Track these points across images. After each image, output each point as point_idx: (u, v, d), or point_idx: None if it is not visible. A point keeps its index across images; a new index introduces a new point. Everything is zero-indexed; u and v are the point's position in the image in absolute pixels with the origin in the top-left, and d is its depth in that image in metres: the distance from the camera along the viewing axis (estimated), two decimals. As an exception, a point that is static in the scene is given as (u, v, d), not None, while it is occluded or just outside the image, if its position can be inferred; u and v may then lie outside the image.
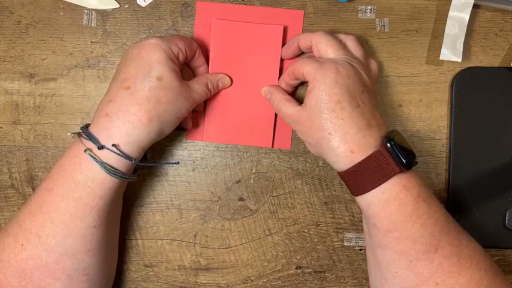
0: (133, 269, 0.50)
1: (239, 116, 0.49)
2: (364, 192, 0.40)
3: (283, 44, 0.48)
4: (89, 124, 0.42)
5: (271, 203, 0.50)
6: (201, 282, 0.50)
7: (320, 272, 0.50)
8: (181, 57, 0.43)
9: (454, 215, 0.48)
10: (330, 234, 0.50)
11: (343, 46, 0.44)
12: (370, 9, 0.49)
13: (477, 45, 0.49)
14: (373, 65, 0.46)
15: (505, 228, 0.48)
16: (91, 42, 0.49)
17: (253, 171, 0.50)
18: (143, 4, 0.49)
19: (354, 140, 0.39)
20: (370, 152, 0.39)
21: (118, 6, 0.49)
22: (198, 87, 0.45)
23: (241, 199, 0.50)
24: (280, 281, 0.50)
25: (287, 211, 0.50)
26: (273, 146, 0.49)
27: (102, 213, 0.41)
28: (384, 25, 0.49)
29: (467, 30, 0.48)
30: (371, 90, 0.43)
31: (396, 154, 0.39)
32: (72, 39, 0.49)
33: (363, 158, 0.39)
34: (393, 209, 0.39)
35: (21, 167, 0.49)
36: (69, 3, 0.49)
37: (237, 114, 0.49)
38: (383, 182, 0.39)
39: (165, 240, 0.50)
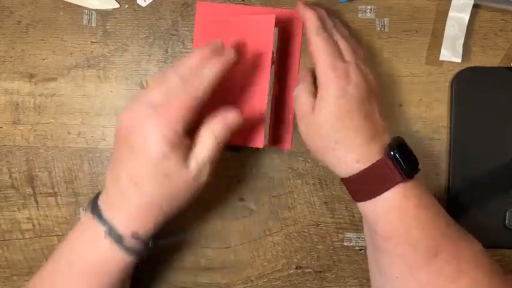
0: (133, 269, 0.50)
1: None
2: (366, 200, 0.40)
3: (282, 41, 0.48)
4: (98, 194, 0.41)
5: (271, 203, 0.50)
6: (201, 282, 0.50)
7: (320, 272, 0.50)
8: (187, 127, 0.38)
9: (454, 215, 0.48)
10: (330, 234, 0.50)
11: (351, 50, 0.42)
12: (370, 9, 0.49)
13: (477, 45, 0.49)
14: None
15: (505, 228, 0.48)
16: (91, 42, 0.49)
17: (253, 171, 0.50)
18: (143, 4, 0.49)
19: (360, 151, 0.39)
20: (373, 161, 0.39)
21: (118, 6, 0.49)
22: (207, 151, 0.39)
23: (241, 199, 0.50)
24: (280, 281, 0.50)
25: (287, 211, 0.50)
26: (270, 145, 0.49)
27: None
28: (384, 25, 0.49)
29: (467, 30, 0.48)
30: (377, 94, 0.42)
31: (399, 163, 0.39)
32: (72, 39, 0.49)
33: (366, 166, 0.39)
34: (393, 217, 0.39)
35: (21, 167, 0.49)
36: (69, 3, 0.49)
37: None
38: (385, 191, 0.39)
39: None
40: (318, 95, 0.41)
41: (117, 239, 0.38)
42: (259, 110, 0.45)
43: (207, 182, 0.40)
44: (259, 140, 0.46)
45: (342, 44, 0.43)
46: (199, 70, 0.39)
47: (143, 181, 0.38)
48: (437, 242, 0.39)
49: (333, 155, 0.40)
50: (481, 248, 0.41)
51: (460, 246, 0.40)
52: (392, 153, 0.39)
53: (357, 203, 0.41)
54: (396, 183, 0.39)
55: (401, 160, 0.39)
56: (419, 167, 0.41)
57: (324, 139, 0.40)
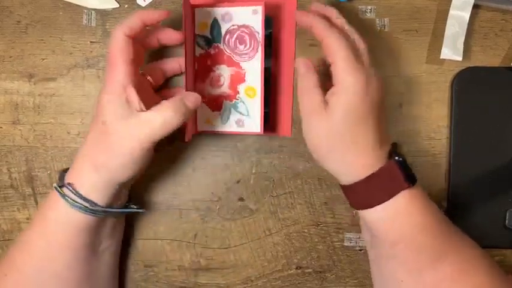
0: (133, 269, 0.50)
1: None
2: (372, 207, 0.39)
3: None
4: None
5: (271, 203, 0.50)
6: (201, 283, 0.50)
7: (320, 272, 0.50)
8: (129, 78, 0.39)
9: (454, 215, 0.48)
10: (330, 234, 0.50)
11: (367, 65, 0.40)
12: (370, 9, 0.49)
13: (477, 45, 0.49)
14: None
15: (505, 228, 0.48)
16: (91, 42, 0.49)
17: (253, 171, 0.50)
18: (143, 4, 0.49)
19: (370, 155, 0.39)
20: (379, 166, 0.39)
21: (118, 6, 0.49)
22: (153, 123, 0.38)
23: (241, 199, 0.50)
24: (280, 281, 0.50)
25: (287, 211, 0.50)
26: (269, 133, 0.48)
27: (78, 253, 0.41)
28: (384, 25, 0.49)
29: (467, 30, 0.48)
30: (384, 102, 0.42)
31: (405, 168, 0.39)
32: (72, 39, 0.49)
33: (375, 171, 0.39)
34: (402, 221, 0.39)
35: (21, 167, 0.49)
36: (69, 3, 0.49)
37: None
38: (392, 196, 0.38)
39: (165, 240, 0.50)
40: (333, 93, 0.39)
41: (60, 186, 0.40)
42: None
43: (144, 158, 0.39)
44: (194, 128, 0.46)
45: (358, 44, 0.40)
46: None
47: (90, 129, 0.40)
48: (441, 245, 0.39)
49: (342, 158, 0.39)
50: (480, 250, 0.41)
51: (462, 248, 0.40)
52: (397, 158, 0.39)
53: (360, 212, 0.41)
54: (403, 188, 0.39)
55: (406, 165, 0.39)
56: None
57: (336, 140, 0.39)
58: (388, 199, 0.39)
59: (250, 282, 0.50)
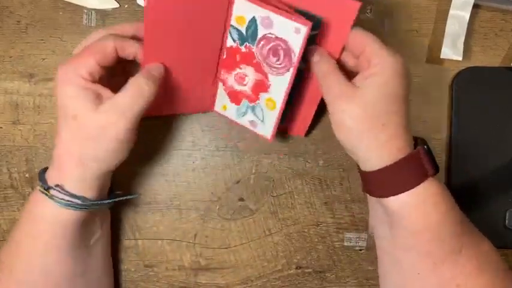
0: (133, 269, 0.50)
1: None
2: (400, 192, 0.38)
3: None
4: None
5: (271, 203, 0.50)
6: (201, 283, 0.50)
7: (320, 272, 0.50)
8: (97, 73, 0.39)
9: (454, 215, 0.48)
10: (330, 234, 0.50)
11: None
12: (370, 9, 0.49)
13: (477, 45, 0.49)
14: None
15: (505, 228, 0.48)
16: (91, 42, 0.49)
17: (253, 171, 0.50)
18: (143, 4, 0.49)
19: (403, 137, 0.38)
20: (409, 151, 0.38)
21: (118, 6, 0.49)
22: (127, 98, 0.38)
23: (241, 199, 0.50)
24: (280, 281, 0.50)
25: (287, 211, 0.50)
26: (283, 130, 0.48)
27: (64, 249, 0.40)
28: (384, 25, 0.49)
29: (467, 30, 0.48)
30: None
31: (431, 156, 0.39)
32: (72, 39, 0.49)
33: (407, 154, 0.38)
34: (430, 208, 0.38)
35: (21, 167, 0.49)
36: (69, 3, 0.49)
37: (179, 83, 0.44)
38: (421, 182, 0.38)
39: (165, 240, 0.50)
40: (371, 74, 0.38)
41: (46, 190, 0.39)
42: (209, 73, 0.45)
43: (130, 139, 0.39)
44: (210, 104, 0.47)
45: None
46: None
47: (59, 127, 0.39)
48: (462, 237, 0.39)
49: (376, 139, 0.38)
50: (493, 246, 0.41)
51: (478, 243, 0.40)
52: (425, 146, 0.39)
53: (383, 199, 0.39)
54: (432, 174, 0.38)
55: (431, 153, 0.39)
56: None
57: (371, 119, 0.37)
58: (418, 184, 0.38)
59: (250, 282, 0.50)
